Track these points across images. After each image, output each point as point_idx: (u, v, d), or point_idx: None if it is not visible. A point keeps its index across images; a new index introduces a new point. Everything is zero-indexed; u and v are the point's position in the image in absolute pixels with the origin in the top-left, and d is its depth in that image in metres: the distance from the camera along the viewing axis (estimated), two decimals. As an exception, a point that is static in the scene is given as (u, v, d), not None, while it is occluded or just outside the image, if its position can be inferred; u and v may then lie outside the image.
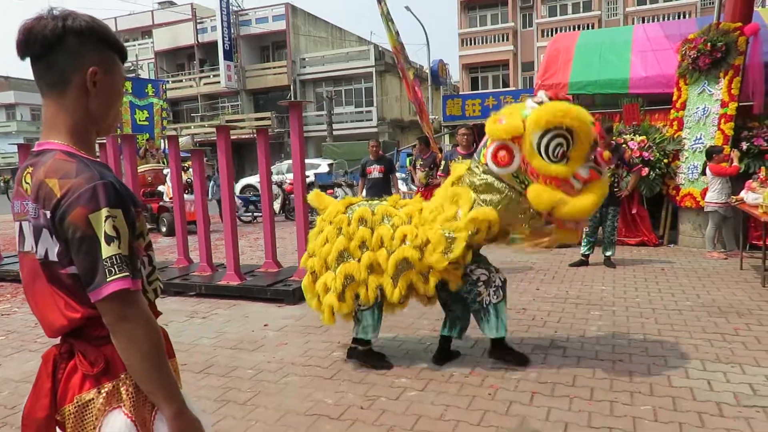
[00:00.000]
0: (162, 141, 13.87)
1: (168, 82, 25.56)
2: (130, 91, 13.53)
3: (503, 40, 28.81)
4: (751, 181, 5.85)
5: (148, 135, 13.51)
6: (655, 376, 3.29)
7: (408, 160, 15.59)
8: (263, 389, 3.33)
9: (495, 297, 3.37)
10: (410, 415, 2.90)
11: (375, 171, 7.92)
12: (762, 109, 7.28)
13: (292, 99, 28.72)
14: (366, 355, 3.61)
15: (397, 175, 13.90)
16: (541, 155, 2.99)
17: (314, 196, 3.87)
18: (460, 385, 3.24)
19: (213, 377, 3.55)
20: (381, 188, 7.91)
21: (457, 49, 29.81)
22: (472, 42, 29.57)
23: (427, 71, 26.24)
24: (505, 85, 29.10)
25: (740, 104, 7.13)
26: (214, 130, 6.05)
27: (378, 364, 3.55)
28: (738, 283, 5.54)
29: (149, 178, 12.06)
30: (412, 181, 8.18)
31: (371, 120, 28.93)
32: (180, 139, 22.74)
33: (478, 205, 3.23)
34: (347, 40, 34.75)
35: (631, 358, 3.60)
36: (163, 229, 11.19)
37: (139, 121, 13.79)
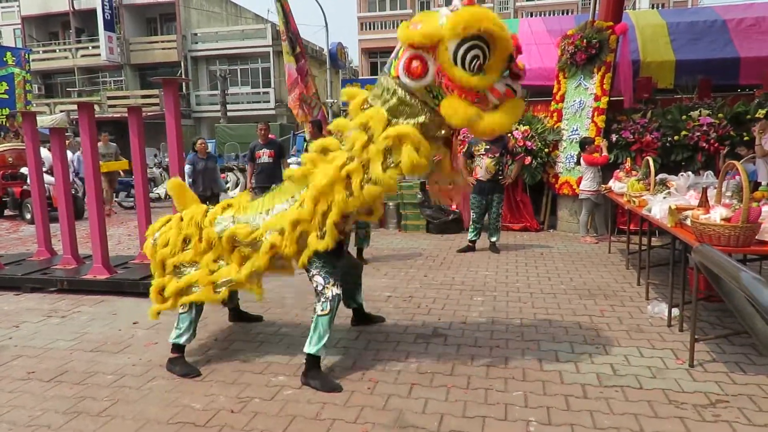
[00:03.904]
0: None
1: (33, 51, 22.92)
2: (-15, 60, 11.92)
3: (402, 26, 29.05)
4: (618, 171, 6.28)
5: (7, 109, 12.01)
6: (528, 360, 3.40)
7: (305, 144, 15.29)
8: (123, 396, 3.02)
9: (320, 309, 3.08)
10: (284, 417, 2.75)
11: (264, 155, 7.61)
12: (631, 103, 7.88)
13: (183, 76, 27.07)
14: (173, 362, 3.37)
15: (293, 159, 13.57)
16: (456, 63, 2.78)
17: (175, 187, 3.56)
18: (340, 380, 3.14)
19: (65, 385, 3.17)
20: (271, 173, 7.60)
21: (357, 33, 29.65)
22: (372, 26, 29.55)
23: (326, 54, 25.80)
24: (404, 71, 29.39)
25: (611, 98, 7.65)
26: (94, 106, 5.36)
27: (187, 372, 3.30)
28: (606, 266, 5.95)
29: (10, 159, 10.79)
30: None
31: (269, 102, 28.01)
32: (54, 116, 20.59)
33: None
34: (243, 17, 33.23)
35: (508, 343, 3.70)
36: (28, 216, 10.06)
37: (-3, 93, 12.21)
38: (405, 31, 2.88)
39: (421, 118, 2.94)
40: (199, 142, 8.31)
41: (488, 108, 2.89)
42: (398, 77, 2.92)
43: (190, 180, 8.09)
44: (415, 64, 2.83)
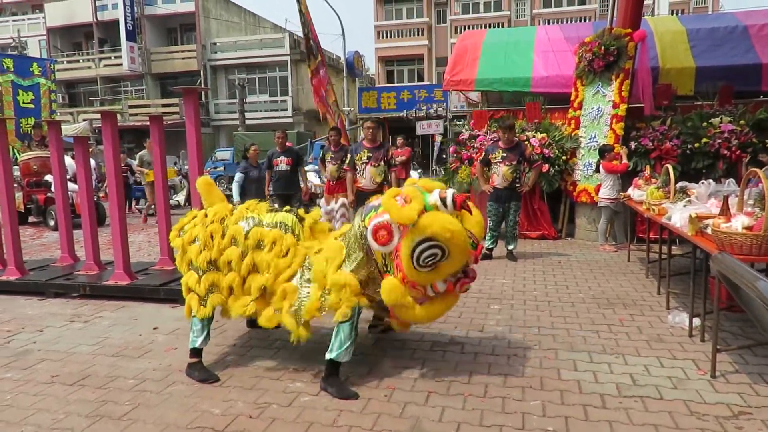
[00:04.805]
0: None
1: (57, 61, 23.44)
2: (12, 70, 12.22)
3: (418, 34, 29.17)
4: (637, 178, 6.23)
5: (33, 119, 12.31)
6: (546, 369, 3.38)
7: (322, 152, 15.42)
8: (144, 401, 3.06)
9: (342, 316, 3.09)
10: (301, 423, 2.77)
11: (282, 163, 7.68)
12: (651, 110, 7.81)
13: (202, 85, 27.48)
14: (192, 367, 3.41)
15: (310, 167, 13.70)
16: (411, 258, 2.91)
17: (203, 185, 3.66)
18: (357, 387, 3.15)
19: (88, 389, 3.23)
20: (288, 181, 7.68)
21: (374, 42, 29.82)
22: (388, 35, 29.69)
23: (343, 62, 25.99)
24: (420, 78, 29.55)
25: (630, 106, 7.59)
26: (117, 115, 5.50)
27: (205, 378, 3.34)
28: (625, 274, 5.89)
29: (35, 167, 11.01)
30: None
31: (286, 110, 28.30)
32: (77, 125, 20.95)
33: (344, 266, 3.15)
34: (261, 26, 33.68)
35: (525, 352, 3.68)
36: (51, 223, 10.27)
37: (23, 103, 12.50)
38: (388, 200, 3.01)
39: (364, 273, 3.13)
40: (253, 148, 7.74)
41: (424, 297, 3.05)
42: (365, 230, 3.06)
43: (240, 190, 7.44)
44: (382, 233, 2.98)
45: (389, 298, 3.00)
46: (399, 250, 2.95)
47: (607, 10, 8.65)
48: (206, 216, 3.48)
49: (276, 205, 5.79)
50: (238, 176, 7.55)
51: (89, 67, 30.09)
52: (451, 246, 2.90)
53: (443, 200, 2.96)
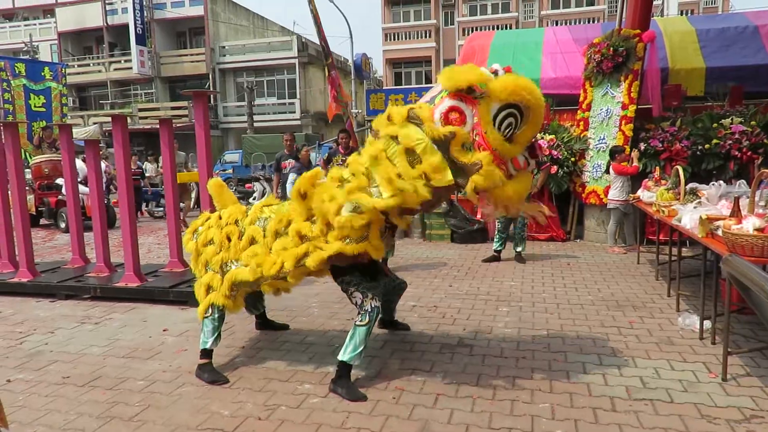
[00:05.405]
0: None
1: (68, 66, 23.65)
2: (24, 74, 12.36)
3: (426, 36, 29.19)
4: (647, 180, 6.19)
5: (44, 122, 12.43)
6: (555, 372, 3.36)
7: (328, 153, 15.43)
8: (154, 402, 3.08)
9: (359, 320, 3.13)
10: (310, 425, 2.77)
11: (290, 166, 7.70)
12: (660, 111, 7.76)
13: (211, 88, 27.62)
14: (202, 369, 3.42)
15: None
16: (494, 124, 2.81)
17: (215, 187, 3.70)
18: (365, 389, 3.15)
19: (98, 390, 3.25)
20: (297, 183, 7.68)
21: (381, 44, 29.88)
22: (396, 37, 29.73)
23: (351, 64, 26.04)
24: (428, 80, 29.49)
25: (639, 107, 7.55)
26: (127, 119, 5.56)
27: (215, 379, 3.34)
28: (635, 276, 5.85)
29: (46, 170, 11.12)
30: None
31: (294, 112, 28.39)
32: (88, 128, 21.20)
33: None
34: (269, 29, 33.85)
35: (534, 354, 3.67)
36: (62, 225, 10.37)
37: (35, 106, 12.63)
38: (448, 75, 2.88)
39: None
40: (305, 149, 8.04)
41: (506, 175, 2.94)
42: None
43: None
44: (454, 115, 2.86)
45: (487, 176, 2.80)
46: (479, 126, 2.82)
47: (616, 11, 8.61)
48: (220, 218, 3.51)
49: None
50: (292, 176, 7.50)
51: (99, 71, 30.37)
52: (530, 104, 2.79)
53: (494, 72, 2.87)
